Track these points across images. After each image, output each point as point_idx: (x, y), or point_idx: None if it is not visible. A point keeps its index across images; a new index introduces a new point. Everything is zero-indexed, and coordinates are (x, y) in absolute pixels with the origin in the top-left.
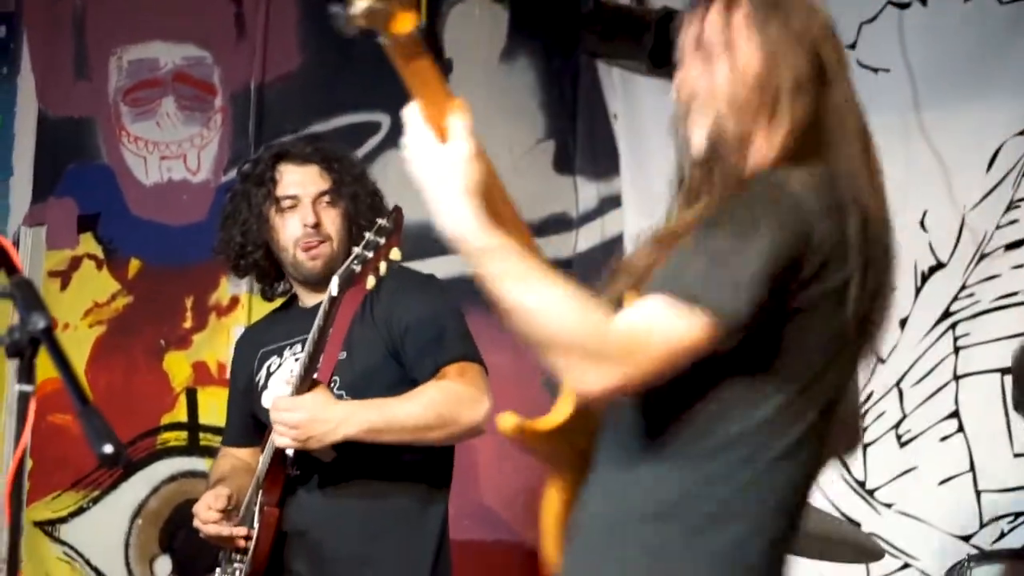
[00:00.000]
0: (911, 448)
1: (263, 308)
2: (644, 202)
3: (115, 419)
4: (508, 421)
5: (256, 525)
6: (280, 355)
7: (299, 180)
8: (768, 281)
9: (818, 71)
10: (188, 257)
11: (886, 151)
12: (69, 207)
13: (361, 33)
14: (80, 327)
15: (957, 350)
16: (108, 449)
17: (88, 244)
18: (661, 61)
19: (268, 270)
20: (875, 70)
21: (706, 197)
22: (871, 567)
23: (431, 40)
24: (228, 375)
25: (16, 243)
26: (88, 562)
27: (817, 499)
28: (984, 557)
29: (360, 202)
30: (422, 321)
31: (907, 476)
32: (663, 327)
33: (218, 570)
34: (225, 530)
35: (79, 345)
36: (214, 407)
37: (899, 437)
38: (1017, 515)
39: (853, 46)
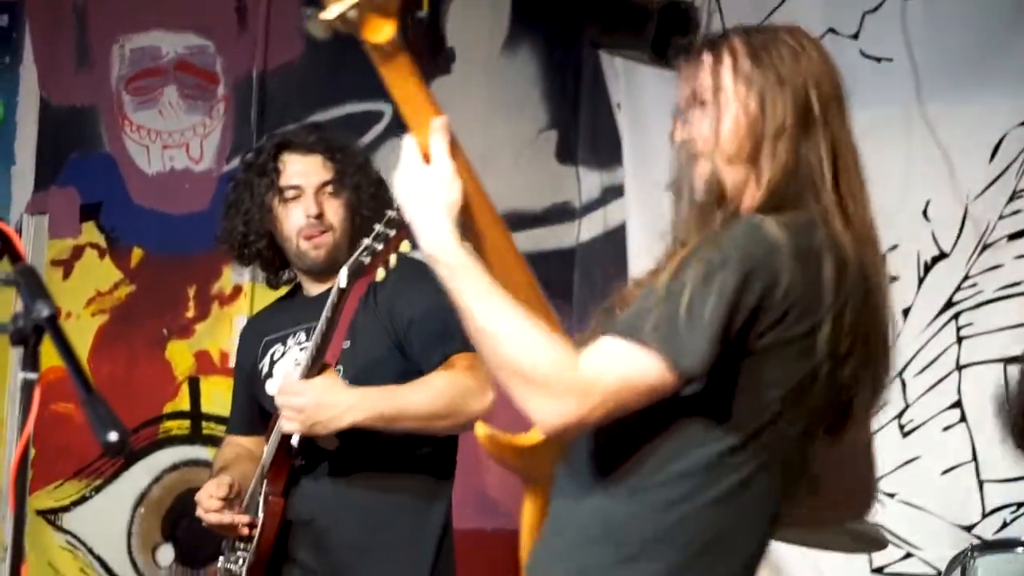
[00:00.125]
0: (913, 438)
1: (265, 297)
2: (647, 192)
3: (117, 408)
4: (480, 430)
5: (261, 515)
6: (284, 343)
7: (302, 170)
8: (726, 327)
9: (803, 116)
10: (190, 246)
11: (888, 141)
12: (71, 196)
13: (335, 36)
14: (83, 316)
15: (960, 340)
16: (113, 437)
17: (90, 233)
18: (663, 51)
19: (272, 259)
20: (878, 60)
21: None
22: (873, 557)
23: (432, 32)
24: (231, 364)
25: (18, 232)
26: (91, 550)
27: None
28: (986, 547)
29: (363, 192)
30: (427, 312)
31: (909, 466)
32: (618, 369)
33: (221, 558)
34: (227, 518)
35: (82, 334)
36: (216, 396)
37: (902, 427)
38: (1019, 505)
39: (856, 36)
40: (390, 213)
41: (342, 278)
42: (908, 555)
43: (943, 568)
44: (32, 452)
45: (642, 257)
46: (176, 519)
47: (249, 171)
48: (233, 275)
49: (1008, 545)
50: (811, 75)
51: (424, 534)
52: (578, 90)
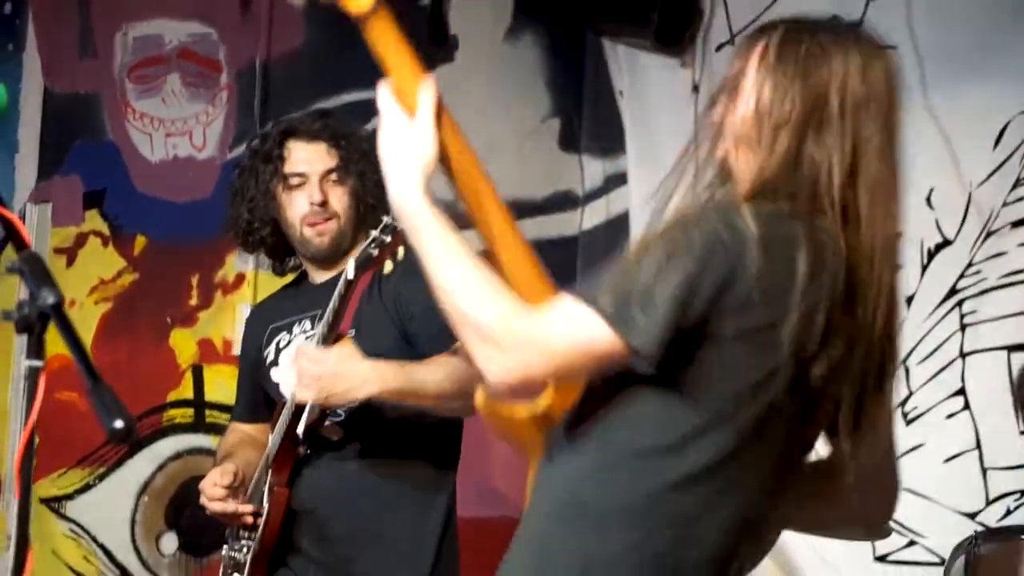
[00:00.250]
0: (917, 426)
1: (269, 285)
2: (650, 179)
3: (121, 396)
4: (480, 397)
5: (265, 504)
6: (289, 331)
7: (307, 157)
8: (681, 311)
9: (815, 114)
10: (194, 234)
11: None
12: (75, 184)
13: (338, 24)
14: (86, 304)
15: (963, 327)
16: (119, 424)
17: (94, 221)
18: (667, 39)
19: (277, 246)
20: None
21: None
22: (876, 544)
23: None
24: (235, 352)
25: (22, 220)
26: (94, 539)
27: None
28: (991, 534)
29: (368, 179)
30: (432, 304)
31: (913, 454)
32: (569, 331)
33: (225, 547)
34: (231, 507)
35: (85, 322)
36: (220, 384)
37: (905, 415)
38: (1023, 493)
39: (859, 24)
40: None
41: (349, 269)
42: (911, 543)
43: (947, 556)
44: (36, 440)
45: None
46: (180, 507)
47: (254, 158)
48: (236, 263)
49: (1012, 533)
50: (838, 76)
51: (427, 524)
52: (581, 78)
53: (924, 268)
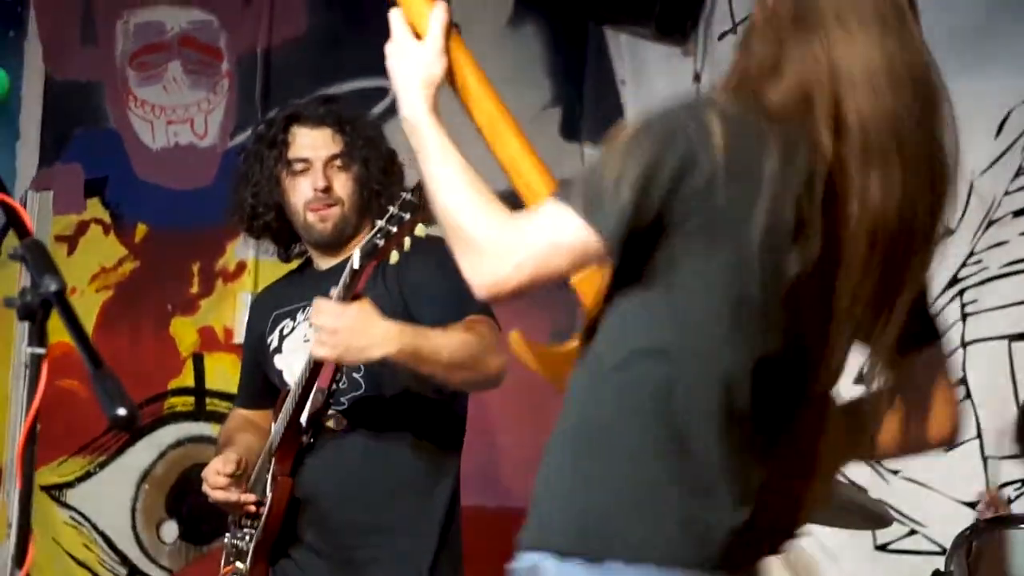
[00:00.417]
0: None
1: (269, 273)
2: None
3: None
4: (515, 338)
5: (269, 494)
6: (293, 318)
7: (311, 143)
8: (641, 191)
9: (800, 15)
10: (195, 222)
11: None
12: (76, 172)
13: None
14: (87, 292)
15: (964, 316)
16: (121, 411)
17: (95, 209)
18: (669, 27)
19: (282, 232)
20: None
21: None
22: (877, 534)
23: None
24: (235, 340)
25: (23, 207)
26: (95, 526)
27: None
28: (991, 523)
29: (372, 165)
30: (441, 284)
31: None
32: (545, 229)
33: (228, 535)
34: (233, 496)
35: (86, 310)
36: (221, 372)
37: None
38: (1023, 481)
39: None
40: (405, 195)
41: (355, 259)
42: (912, 532)
43: (947, 545)
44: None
45: None
46: (180, 495)
47: (259, 143)
48: (237, 251)
49: (1013, 522)
50: None
51: (430, 513)
52: (583, 67)
53: None
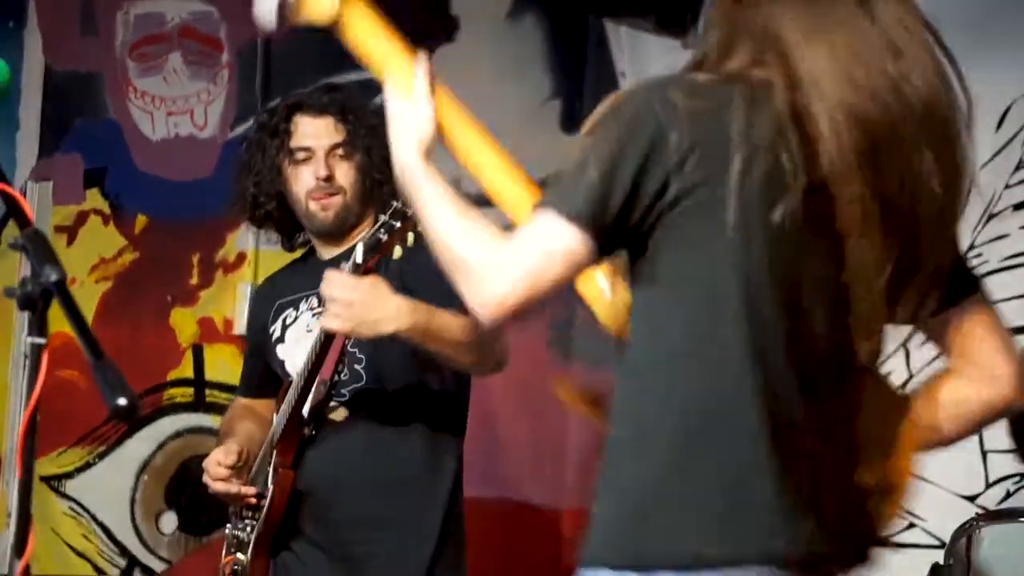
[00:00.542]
0: None
1: (270, 264)
2: None
3: None
4: (561, 387)
5: (270, 486)
6: (296, 308)
7: (313, 132)
8: (608, 174)
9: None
10: (195, 213)
11: None
12: (75, 162)
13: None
14: (86, 283)
15: None
16: (122, 401)
17: (95, 199)
18: (669, 20)
19: (284, 221)
20: None
21: None
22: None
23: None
24: (235, 331)
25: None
26: (94, 517)
27: None
28: (991, 517)
29: (375, 154)
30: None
31: None
32: (533, 239)
33: (229, 526)
34: (233, 488)
35: (85, 301)
36: (220, 363)
37: None
38: (1023, 475)
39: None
40: None
41: (358, 253)
42: (911, 525)
43: (947, 539)
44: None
45: None
46: (179, 486)
47: (261, 132)
48: (237, 242)
49: (1012, 515)
50: None
51: (431, 506)
52: (583, 60)
53: None
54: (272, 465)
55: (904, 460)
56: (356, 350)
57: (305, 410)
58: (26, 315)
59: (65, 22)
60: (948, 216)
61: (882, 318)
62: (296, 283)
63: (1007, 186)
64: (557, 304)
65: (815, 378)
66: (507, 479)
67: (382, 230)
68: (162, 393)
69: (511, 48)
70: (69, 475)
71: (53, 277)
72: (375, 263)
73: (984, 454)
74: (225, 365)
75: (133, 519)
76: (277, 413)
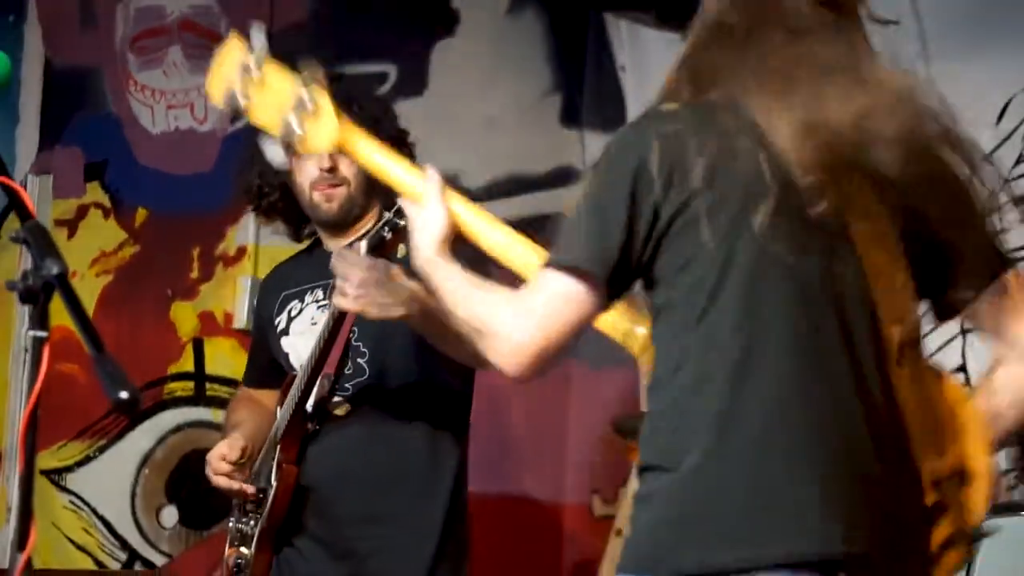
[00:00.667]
0: None
1: (270, 258)
2: None
3: None
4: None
5: (274, 482)
6: (302, 300)
7: None
8: (601, 213)
9: (722, 26)
10: (195, 207)
11: None
12: (76, 156)
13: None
14: (87, 276)
15: None
16: (124, 395)
17: (95, 193)
18: (669, 14)
19: (290, 212)
20: (884, 22)
21: None
22: None
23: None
24: (235, 325)
25: None
26: (95, 511)
27: None
28: (991, 511)
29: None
30: None
31: None
32: (540, 287)
33: (232, 520)
34: (235, 485)
35: (86, 295)
36: (220, 357)
37: None
38: (1021, 470)
39: None
40: None
41: (362, 251)
42: None
43: None
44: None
45: None
46: (180, 480)
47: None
48: (237, 236)
49: (1010, 509)
50: None
51: (432, 503)
52: (583, 53)
53: None
54: (276, 461)
55: (977, 446)
56: (360, 344)
57: (309, 405)
58: (26, 308)
59: (65, 16)
60: (964, 209)
61: (907, 303)
62: (302, 275)
63: (1007, 180)
64: None
65: (845, 374)
66: (508, 474)
67: (386, 228)
68: (162, 387)
69: (511, 42)
70: (69, 469)
71: (55, 270)
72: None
73: None
74: (225, 359)
75: (134, 513)
76: (281, 407)
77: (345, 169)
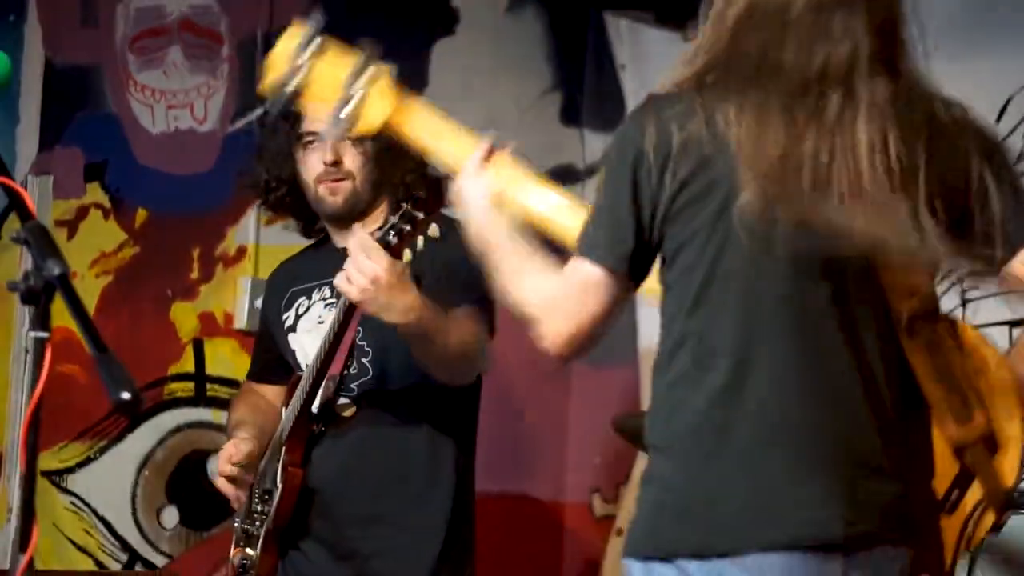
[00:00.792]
0: None
1: (270, 259)
2: None
3: None
4: None
5: (279, 484)
6: (309, 297)
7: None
8: (618, 208)
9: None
10: (195, 207)
11: None
12: (76, 156)
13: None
14: (87, 277)
15: (965, 303)
16: (126, 395)
17: (95, 193)
18: (669, 12)
19: (298, 206)
20: None
21: None
22: None
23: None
24: (236, 325)
25: None
26: (95, 512)
27: None
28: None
29: (382, 139)
30: (446, 264)
31: None
32: (569, 275)
33: (237, 520)
34: (231, 491)
35: (86, 295)
36: (221, 358)
37: None
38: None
39: None
40: (420, 194)
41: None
42: None
43: None
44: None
45: None
46: (181, 481)
47: (275, 115)
48: (237, 236)
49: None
50: None
51: (436, 503)
52: (583, 52)
53: None
54: (281, 463)
55: (1008, 412)
56: (364, 343)
57: (314, 407)
58: (27, 309)
59: (65, 15)
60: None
61: (918, 276)
62: (310, 271)
63: None
64: None
65: (845, 350)
66: (508, 474)
67: (391, 233)
68: (163, 388)
69: (511, 41)
70: (70, 470)
71: (56, 271)
72: None
73: None
74: (226, 359)
75: (134, 514)
76: (286, 408)
77: (349, 163)
